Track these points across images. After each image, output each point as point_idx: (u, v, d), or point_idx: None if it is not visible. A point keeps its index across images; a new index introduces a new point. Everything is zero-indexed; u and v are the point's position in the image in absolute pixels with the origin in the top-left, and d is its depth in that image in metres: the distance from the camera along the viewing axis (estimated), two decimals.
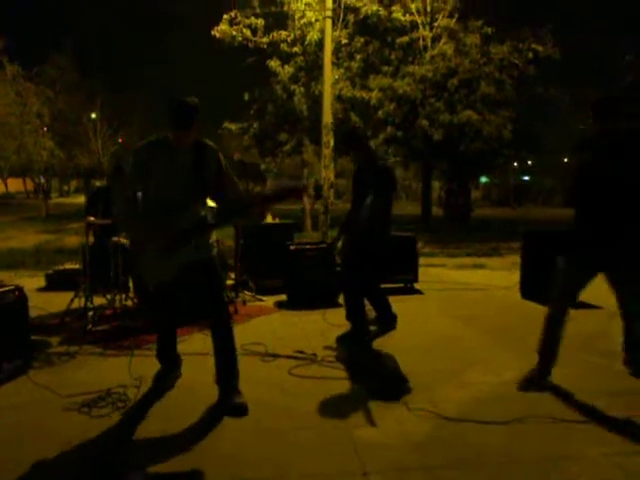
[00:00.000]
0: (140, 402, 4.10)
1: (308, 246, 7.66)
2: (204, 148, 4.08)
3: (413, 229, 16.68)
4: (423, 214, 21.55)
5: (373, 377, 4.64)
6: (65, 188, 58.15)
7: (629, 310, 4.33)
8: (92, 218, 6.32)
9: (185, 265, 3.97)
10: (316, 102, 16.92)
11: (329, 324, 6.33)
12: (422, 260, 12.09)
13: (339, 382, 4.51)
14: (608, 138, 4.07)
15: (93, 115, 34.54)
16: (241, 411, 3.91)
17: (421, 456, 3.30)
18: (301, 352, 5.18)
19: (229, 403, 3.97)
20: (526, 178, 59.37)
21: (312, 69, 18.08)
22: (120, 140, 36.09)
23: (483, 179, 55.91)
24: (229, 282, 7.75)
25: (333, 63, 17.19)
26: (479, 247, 14.93)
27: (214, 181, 4.09)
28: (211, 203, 4.32)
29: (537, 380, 4.37)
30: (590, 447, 3.40)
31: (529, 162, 51.62)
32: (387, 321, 6.13)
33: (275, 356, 5.13)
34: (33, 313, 6.19)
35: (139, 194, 4.07)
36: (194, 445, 3.44)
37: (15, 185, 53.39)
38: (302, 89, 18.27)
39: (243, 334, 5.85)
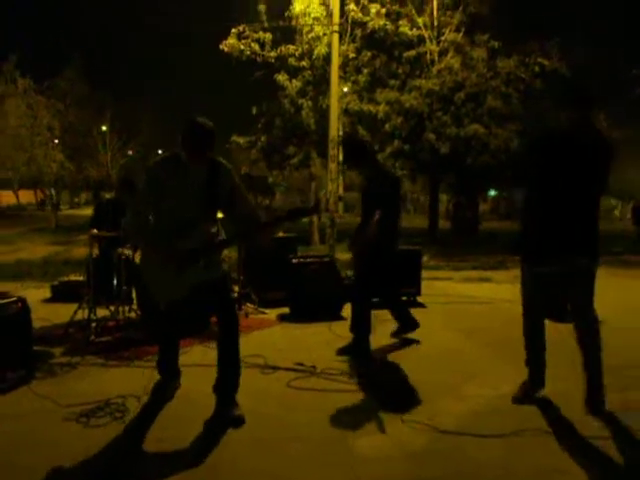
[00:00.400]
0: (138, 412, 4.13)
1: (310, 259, 7.70)
2: (218, 167, 4.07)
3: (420, 242, 16.72)
4: (430, 227, 21.57)
5: (373, 390, 4.65)
6: (76, 200, 58.50)
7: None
8: (95, 230, 6.39)
9: (196, 284, 3.99)
10: (323, 116, 16.98)
11: (331, 337, 6.37)
12: (428, 273, 12.13)
13: (337, 394, 4.53)
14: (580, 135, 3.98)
15: (104, 127, 34.85)
16: (238, 422, 3.93)
17: (416, 468, 3.31)
18: (301, 364, 5.21)
19: (227, 415, 4.00)
20: None
21: (320, 83, 18.18)
22: (130, 152, 36.35)
23: (492, 192, 55.83)
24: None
25: (341, 77, 17.30)
26: (485, 260, 14.90)
27: (227, 199, 4.11)
28: (219, 214, 4.35)
29: (530, 393, 4.37)
30: (585, 461, 3.40)
31: None
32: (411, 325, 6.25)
33: (275, 368, 5.15)
34: (37, 324, 6.28)
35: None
36: (190, 455, 3.47)
37: (26, 197, 53.80)
38: (310, 103, 18.36)
39: (244, 346, 5.76)
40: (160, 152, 34.59)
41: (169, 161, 4.02)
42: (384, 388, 4.70)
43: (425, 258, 15.24)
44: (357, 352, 5.73)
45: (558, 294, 4.43)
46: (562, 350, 4.51)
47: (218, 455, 3.50)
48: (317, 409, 4.21)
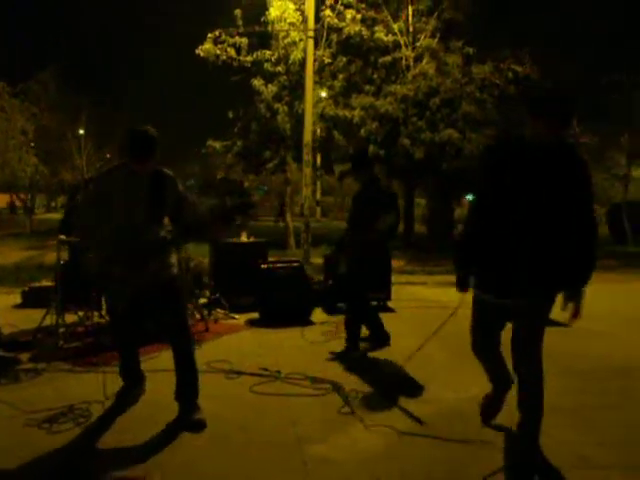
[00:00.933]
0: (101, 417, 4.17)
1: (280, 264, 7.76)
2: (162, 177, 4.23)
3: (395, 246, 16.84)
4: (405, 231, 21.69)
5: (335, 394, 4.72)
6: (52, 204, 58.02)
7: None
8: (63, 236, 6.40)
9: (146, 286, 4.08)
10: (299, 121, 17.02)
11: (299, 342, 6.46)
12: (402, 278, 12.26)
13: (299, 399, 4.60)
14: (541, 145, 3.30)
15: (81, 131, 34.61)
16: (199, 426, 3.99)
17: (371, 471, 3.38)
18: (265, 369, 5.27)
19: (188, 419, 4.05)
20: None
21: (295, 88, 18.22)
22: (108, 156, 36.12)
23: (470, 197, 56.24)
24: (202, 300, 7.84)
25: (316, 82, 17.38)
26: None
27: (173, 207, 4.24)
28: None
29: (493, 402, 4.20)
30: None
31: None
32: (381, 338, 6.33)
33: (239, 373, 5.21)
34: (6, 330, 6.31)
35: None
36: (149, 457, 3.53)
37: (2, 201, 53.24)
38: (285, 108, 18.40)
39: (211, 351, 5.95)
40: (108, 156, 34.48)
41: (115, 171, 4.22)
42: (347, 392, 4.75)
43: (401, 262, 15.42)
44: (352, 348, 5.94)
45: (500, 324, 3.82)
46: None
47: (174, 457, 3.56)
48: (278, 413, 4.28)
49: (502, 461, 3.52)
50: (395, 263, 14.54)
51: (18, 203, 36.68)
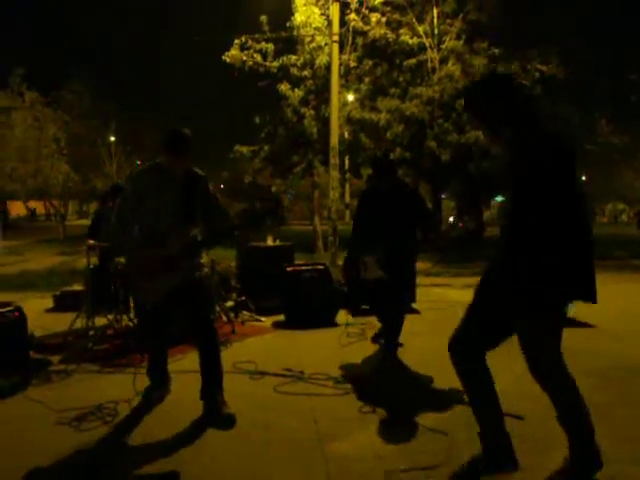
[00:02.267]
0: (128, 416, 4.29)
1: (305, 267, 7.84)
2: (195, 177, 4.36)
3: (423, 249, 16.81)
4: (435, 230, 21.67)
5: (355, 393, 4.78)
6: (85, 210, 58.94)
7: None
8: (92, 241, 6.57)
9: (175, 287, 4.19)
10: (326, 124, 17.12)
11: (323, 343, 6.52)
12: (428, 280, 12.27)
13: (322, 398, 4.67)
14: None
15: (112, 138, 35.13)
16: (229, 422, 4.08)
17: (388, 468, 3.43)
18: (289, 370, 5.34)
19: (218, 414, 4.15)
20: None
21: (322, 92, 18.34)
22: (138, 162, 36.63)
23: (499, 198, 55.81)
24: (230, 303, 7.95)
25: (342, 86, 17.48)
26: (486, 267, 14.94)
27: (204, 208, 4.36)
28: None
29: None
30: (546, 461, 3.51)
31: None
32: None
33: (263, 374, 5.29)
34: (38, 333, 6.48)
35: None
36: (174, 456, 3.62)
37: (37, 208, 54.35)
38: (312, 112, 18.53)
39: (237, 352, 6.05)
40: (138, 163, 34.80)
41: (150, 171, 4.34)
42: (367, 391, 4.81)
43: (427, 265, 15.42)
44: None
45: None
46: None
47: (198, 454, 3.65)
48: (300, 412, 4.35)
49: (520, 458, 3.54)
50: (422, 265, 14.58)
51: (52, 210, 37.31)
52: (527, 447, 3.57)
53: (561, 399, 3.18)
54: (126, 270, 4.52)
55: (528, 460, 3.39)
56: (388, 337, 6.01)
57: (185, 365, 5.42)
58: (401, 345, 6.08)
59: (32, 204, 50.79)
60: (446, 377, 5.19)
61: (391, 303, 6.06)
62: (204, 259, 4.54)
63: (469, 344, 3.40)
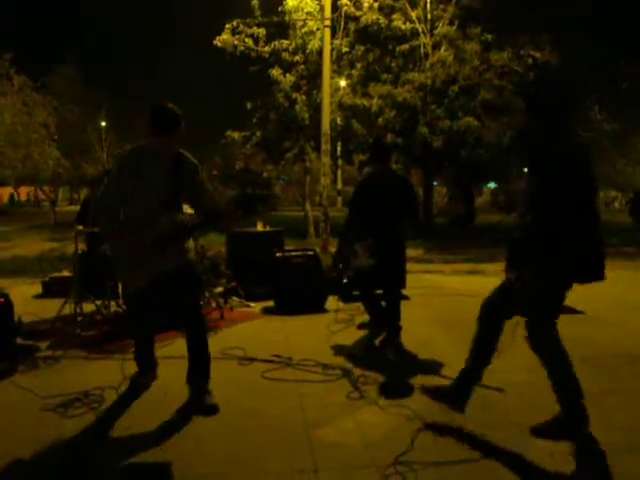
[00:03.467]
0: (114, 403, 4.27)
1: (294, 253, 7.81)
2: (182, 159, 4.27)
3: (413, 235, 16.81)
4: (425, 220, 21.68)
5: (343, 379, 4.78)
6: (75, 197, 58.65)
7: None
8: (80, 227, 6.52)
9: (161, 272, 4.14)
10: (317, 110, 17.01)
11: (312, 329, 6.51)
12: (419, 266, 12.27)
13: (309, 385, 4.66)
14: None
15: (103, 123, 34.86)
16: (211, 411, 4.07)
17: (373, 455, 3.44)
18: (278, 356, 5.34)
19: (200, 403, 4.13)
20: None
21: (314, 77, 18.21)
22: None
23: (491, 185, 55.86)
24: (219, 288, 7.93)
25: (334, 71, 17.38)
26: (478, 253, 14.97)
27: (192, 192, 4.29)
28: (189, 210, 4.53)
29: None
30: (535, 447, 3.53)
31: None
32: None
33: (252, 360, 5.29)
34: (26, 319, 6.45)
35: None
36: (160, 441, 3.62)
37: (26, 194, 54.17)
38: (304, 97, 18.39)
39: (225, 338, 6.05)
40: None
41: (135, 152, 4.22)
42: (356, 378, 4.80)
43: (419, 251, 15.43)
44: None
45: None
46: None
47: (186, 441, 3.64)
48: (288, 399, 4.35)
49: (508, 448, 3.55)
50: (413, 252, 14.58)
51: (41, 196, 37.10)
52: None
53: (553, 365, 3.73)
54: (112, 255, 4.45)
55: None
56: (389, 324, 6.00)
57: (174, 351, 5.39)
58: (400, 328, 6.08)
59: (22, 190, 50.65)
60: (434, 363, 5.23)
61: (386, 289, 6.09)
62: (191, 243, 4.48)
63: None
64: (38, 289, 8.83)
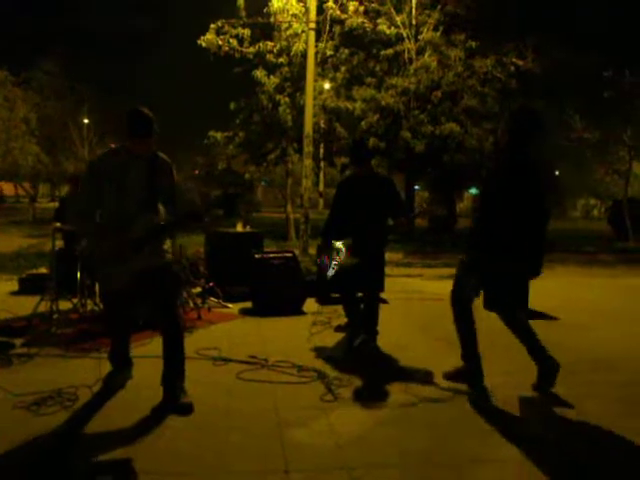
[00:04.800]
0: (88, 401, 4.26)
1: (273, 255, 7.83)
2: (159, 162, 4.29)
3: (395, 239, 16.92)
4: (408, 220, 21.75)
5: (319, 381, 4.79)
6: (57, 193, 58.19)
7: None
8: (58, 224, 6.49)
9: (138, 271, 4.15)
10: (301, 112, 17.07)
11: (289, 331, 6.54)
12: (399, 270, 12.34)
13: (283, 386, 4.68)
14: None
15: (86, 120, 34.59)
16: (186, 410, 4.07)
17: (345, 456, 3.46)
18: (254, 357, 5.34)
19: (175, 403, 4.13)
20: None
21: (298, 80, 18.24)
22: (112, 146, 36.13)
23: (473, 190, 56.21)
24: (197, 289, 7.92)
25: (319, 74, 17.42)
26: (458, 257, 15.03)
27: (166, 194, 4.30)
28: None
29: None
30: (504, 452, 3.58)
31: None
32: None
33: (227, 360, 5.29)
34: (1, 316, 6.42)
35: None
36: (133, 441, 3.61)
37: (8, 189, 53.54)
38: (287, 99, 18.42)
39: (201, 339, 6.05)
40: (113, 146, 34.06)
41: (112, 155, 4.26)
42: (331, 380, 4.82)
43: (399, 255, 15.51)
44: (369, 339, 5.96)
45: None
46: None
47: (158, 440, 3.64)
48: (262, 400, 4.36)
49: (466, 447, 3.60)
50: (393, 256, 14.65)
51: (21, 192, 36.74)
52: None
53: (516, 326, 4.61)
54: (88, 255, 4.45)
55: None
56: (366, 327, 6.01)
57: (151, 350, 5.38)
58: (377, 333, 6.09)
59: (3, 186, 50.06)
60: (409, 367, 5.28)
61: (365, 292, 6.11)
62: (168, 244, 4.48)
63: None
64: (14, 286, 8.77)
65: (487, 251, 4.51)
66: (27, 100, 24.17)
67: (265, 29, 18.44)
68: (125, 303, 4.49)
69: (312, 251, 13.65)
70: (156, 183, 4.22)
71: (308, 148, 14.47)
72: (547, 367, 4.52)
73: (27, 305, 6.94)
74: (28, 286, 8.42)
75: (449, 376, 4.75)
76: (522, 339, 4.61)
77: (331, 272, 6.05)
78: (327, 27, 18.27)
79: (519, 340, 4.61)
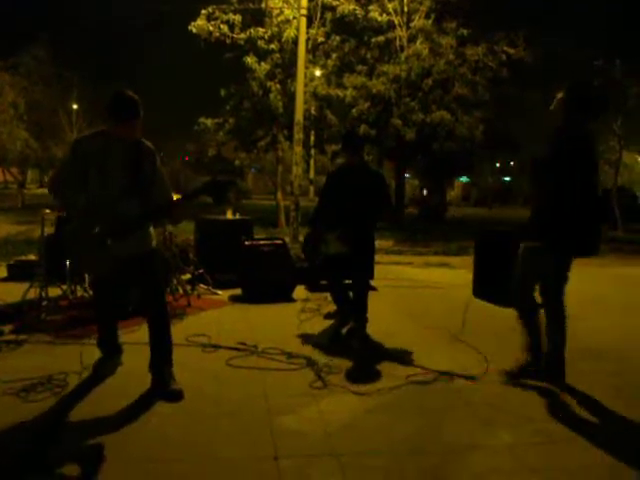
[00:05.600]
0: (77, 388, 4.26)
1: (262, 242, 7.82)
2: (142, 148, 4.25)
3: (385, 227, 16.95)
4: (396, 212, 21.79)
5: (308, 368, 4.81)
6: (45, 179, 57.81)
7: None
8: (48, 210, 6.46)
9: (123, 258, 4.13)
10: (292, 99, 16.99)
11: (279, 318, 6.56)
12: (389, 258, 12.38)
13: (273, 373, 4.69)
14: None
15: (75, 106, 34.25)
16: (176, 396, 4.08)
17: (334, 443, 3.48)
18: (243, 344, 5.35)
19: (164, 389, 4.14)
20: (507, 179, 59.87)
21: (289, 66, 18.17)
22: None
23: (464, 179, 56.37)
24: (186, 276, 7.91)
25: (310, 61, 17.35)
26: (448, 246, 15.15)
27: (148, 180, 4.26)
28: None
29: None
30: (495, 438, 3.61)
31: (511, 163, 52.09)
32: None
33: (216, 347, 5.29)
34: None
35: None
36: (121, 426, 3.62)
37: None
38: (278, 86, 18.35)
39: (191, 326, 6.05)
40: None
41: (96, 137, 4.19)
42: (320, 367, 4.84)
43: (389, 243, 15.54)
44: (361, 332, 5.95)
45: None
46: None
47: (145, 426, 3.65)
48: (251, 386, 4.38)
49: (456, 435, 3.63)
50: (384, 243, 14.69)
51: (9, 177, 36.42)
52: None
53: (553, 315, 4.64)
54: (72, 240, 4.39)
55: None
56: (356, 315, 6.02)
57: (139, 337, 5.37)
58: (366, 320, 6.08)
59: None
60: (399, 353, 5.30)
61: (354, 280, 6.11)
62: (153, 231, 4.45)
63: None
64: (3, 272, 8.72)
65: (563, 231, 4.35)
66: (15, 85, 23.95)
67: (256, 15, 18.34)
68: (111, 289, 4.48)
69: (302, 238, 13.65)
70: (139, 169, 4.18)
71: (298, 135, 14.44)
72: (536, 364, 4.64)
73: (15, 292, 6.91)
74: (16, 272, 8.37)
75: (514, 375, 4.65)
76: (548, 331, 4.65)
77: (319, 260, 6.07)
78: (318, 14, 18.20)
79: (547, 332, 4.66)
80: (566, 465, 3.29)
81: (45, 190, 10.04)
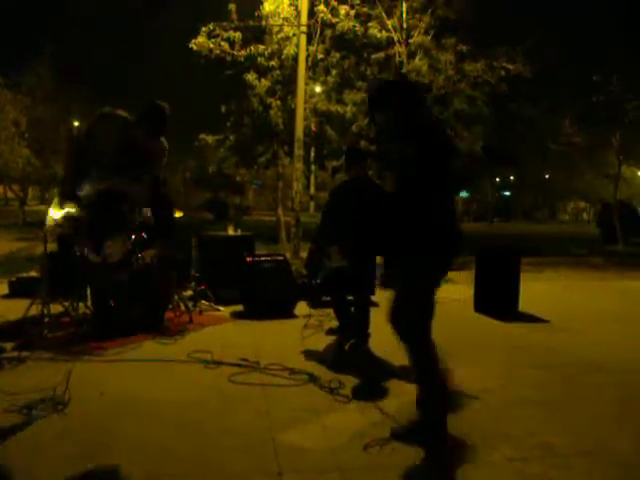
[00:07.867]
0: (79, 405, 4.24)
1: (264, 258, 7.83)
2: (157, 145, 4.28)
3: None
4: None
5: (310, 384, 4.80)
6: (47, 196, 57.87)
7: None
8: (50, 228, 6.47)
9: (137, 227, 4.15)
10: (292, 115, 17.05)
11: (281, 334, 6.55)
12: None
13: (276, 389, 4.68)
14: None
15: (76, 123, 34.36)
16: None
17: (338, 459, 3.47)
18: (245, 360, 5.34)
19: None
20: (507, 194, 59.97)
21: (289, 83, 18.22)
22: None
23: (464, 194, 56.39)
24: (188, 292, 7.91)
25: (310, 77, 17.43)
26: None
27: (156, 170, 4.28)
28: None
29: None
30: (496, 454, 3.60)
31: (511, 177, 52.23)
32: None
33: (219, 363, 5.28)
34: None
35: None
36: (123, 444, 3.60)
37: None
38: (278, 102, 18.41)
39: (193, 342, 6.04)
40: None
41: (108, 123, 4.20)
42: (323, 383, 4.83)
43: None
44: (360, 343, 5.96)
45: None
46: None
47: (149, 442, 3.63)
48: (254, 403, 4.37)
49: (474, 452, 3.62)
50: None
51: (10, 194, 36.50)
52: None
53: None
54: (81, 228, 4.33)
55: None
56: (358, 330, 6.01)
57: (141, 354, 5.39)
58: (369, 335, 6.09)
59: None
60: (401, 369, 5.28)
61: (356, 295, 6.11)
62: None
63: None
64: (5, 289, 8.72)
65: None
66: (16, 103, 24.05)
67: (256, 32, 18.43)
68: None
69: (303, 254, 13.66)
70: (150, 161, 4.20)
71: (299, 151, 14.50)
72: None
73: (17, 308, 6.89)
74: (18, 289, 8.38)
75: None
76: None
77: (321, 275, 6.09)
78: (318, 31, 18.27)
79: None
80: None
81: (46, 207, 10.03)
